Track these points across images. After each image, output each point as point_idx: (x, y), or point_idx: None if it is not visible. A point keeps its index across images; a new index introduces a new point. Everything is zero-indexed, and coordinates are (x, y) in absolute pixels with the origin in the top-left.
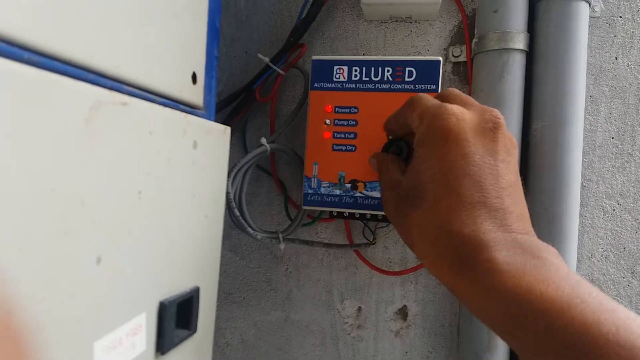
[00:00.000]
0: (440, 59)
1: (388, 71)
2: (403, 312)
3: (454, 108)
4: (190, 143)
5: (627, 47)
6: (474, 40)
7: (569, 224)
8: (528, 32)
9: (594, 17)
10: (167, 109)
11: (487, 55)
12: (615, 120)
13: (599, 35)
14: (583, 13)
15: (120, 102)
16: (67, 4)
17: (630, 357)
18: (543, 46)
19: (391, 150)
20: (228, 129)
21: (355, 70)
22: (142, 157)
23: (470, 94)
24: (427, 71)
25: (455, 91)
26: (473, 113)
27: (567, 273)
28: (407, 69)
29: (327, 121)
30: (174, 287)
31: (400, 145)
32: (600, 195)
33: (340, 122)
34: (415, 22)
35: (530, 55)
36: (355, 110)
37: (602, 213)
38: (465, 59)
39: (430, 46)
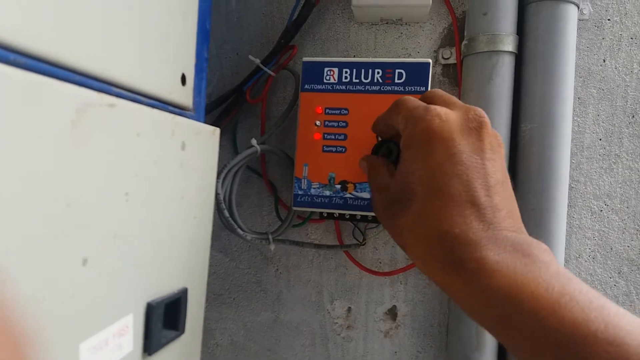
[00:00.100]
0: (430, 61)
1: (378, 73)
2: (392, 313)
3: (438, 109)
4: (178, 144)
5: (615, 50)
6: (464, 42)
7: (557, 224)
8: (517, 34)
9: (583, 20)
10: (156, 111)
11: (476, 58)
12: (603, 122)
13: (588, 38)
14: (572, 16)
15: (108, 103)
16: (54, 6)
17: (619, 354)
18: (532, 48)
19: (381, 151)
20: (217, 130)
21: (346, 72)
22: (130, 158)
23: (459, 96)
24: (416, 73)
25: (439, 91)
26: (457, 113)
27: (557, 270)
28: (397, 70)
29: (318, 122)
30: (162, 288)
31: (390, 146)
32: (588, 196)
33: (330, 124)
34: (406, 24)
35: (520, 57)
36: (346, 111)
37: (590, 214)
38: (455, 61)
39: (421, 48)
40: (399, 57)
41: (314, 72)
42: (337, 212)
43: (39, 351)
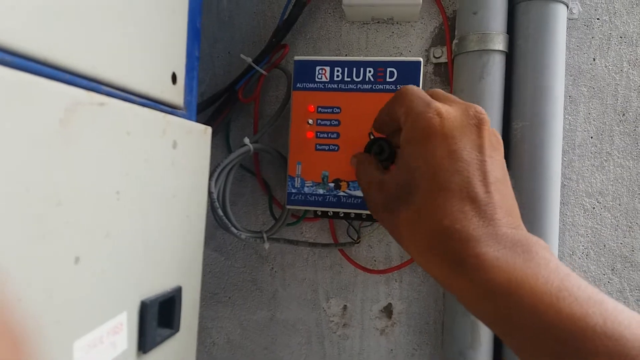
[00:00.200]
0: (421, 59)
1: (370, 72)
2: (388, 310)
3: (439, 106)
4: (169, 143)
5: (605, 49)
6: (455, 41)
7: (550, 222)
8: (508, 33)
9: (572, 19)
10: (146, 109)
11: (467, 56)
12: (594, 120)
13: (577, 37)
14: (561, 15)
15: (98, 102)
16: (43, 5)
17: (617, 348)
18: (522, 47)
19: (373, 149)
20: (209, 129)
21: (337, 71)
22: (120, 157)
23: None
24: (408, 72)
25: (439, 90)
26: (457, 110)
27: (557, 266)
28: (388, 69)
29: (310, 121)
30: (156, 286)
31: (382, 144)
32: (580, 193)
33: (322, 122)
34: (397, 23)
35: (510, 56)
36: (338, 110)
37: (583, 211)
38: (446, 60)
39: (412, 47)
40: (391, 56)
41: (306, 71)
42: (331, 210)
43: (33, 349)
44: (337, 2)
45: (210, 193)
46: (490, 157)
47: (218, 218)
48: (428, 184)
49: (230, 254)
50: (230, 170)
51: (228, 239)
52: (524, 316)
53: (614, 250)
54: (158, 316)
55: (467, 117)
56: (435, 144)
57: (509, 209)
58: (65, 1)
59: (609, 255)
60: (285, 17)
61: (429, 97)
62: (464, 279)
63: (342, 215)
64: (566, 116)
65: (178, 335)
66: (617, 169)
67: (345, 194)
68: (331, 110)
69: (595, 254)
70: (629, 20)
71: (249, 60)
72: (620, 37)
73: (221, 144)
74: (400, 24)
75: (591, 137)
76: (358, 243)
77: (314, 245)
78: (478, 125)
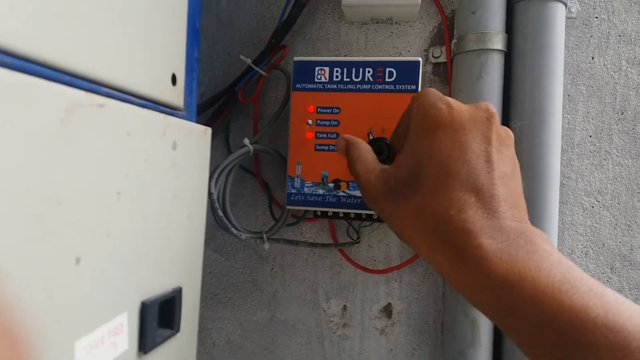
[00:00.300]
0: (420, 59)
1: (369, 72)
2: (388, 310)
3: (449, 99)
4: (169, 144)
5: (603, 47)
6: (453, 41)
7: (549, 221)
8: (506, 32)
9: (571, 18)
10: (146, 110)
11: (466, 56)
12: (592, 119)
13: (576, 36)
14: (559, 14)
15: (98, 103)
16: (42, 6)
17: (618, 340)
18: (521, 46)
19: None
20: (209, 130)
21: (337, 71)
22: (120, 158)
23: (450, 94)
24: (407, 72)
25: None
26: (467, 105)
27: (559, 259)
28: (387, 69)
29: (310, 121)
30: (156, 287)
31: (381, 145)
32: (579, 192)
33: (322, 123)
34: (396, 23)
35: (509, 55)
36: (337, 110)
37: (582, 210)
38: (445, 60)
39: (411, 47)
40: (390, 56)
41: (305, 71)
42: (330, 210)
43: (35, 349)
44: (336, 2)
45: (210, 194)
46: (499, 151)
47: (218, 219)
48: (436, 172)
49: (230, 254)
50: (230, 171)
51: (228, 239)
52: (525, 308)
53: (613, 249)
54: (158, 317)
55: (478, 110)
56: (445, 133)
57: (515, 203)
58: (65, 3)
59: (608, 254)
60: (285, 18)
61: (442, 94)
62: (466, 270)
63: (341, 215)
64: (565, 115)
65: (178, 336)
66: (616, 167)
67: (345, 194)
68: (330, 110)
69: (594, 253)
70: (628, 19)
71: (249, 61)
72: (619, 36)
73: (221, 145)
74: (399, 24)
75: (590, 136)
76: (358, 243)
77: (313, 245)
78: (489, 118)
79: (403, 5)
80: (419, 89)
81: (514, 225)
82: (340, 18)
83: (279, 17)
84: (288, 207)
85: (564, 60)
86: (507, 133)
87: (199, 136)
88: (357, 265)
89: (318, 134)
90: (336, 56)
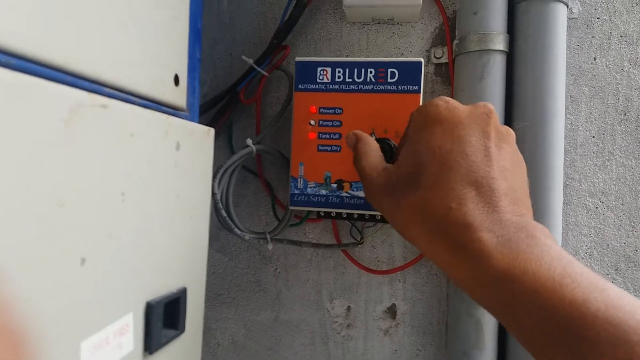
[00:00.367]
0: (422, 60)
1: (371, 72)
2: (392, 311)
3: (448, 98)
4: (172, 144)
5: (605, 48)
6: (455, 41)
7: (553, 222)
8: (508, 33)
9: (572, 19)
10: (149, 111)
11: (467, 57)
12: (595, 120)
13: (578, 36)
14: (561, 14)
15: (100, 104)
16: (45, 7)
17: (619, 334)
18: (523, 47)
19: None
20: (211, 130)
21: (339, 72)
22: (124, 158)
23: (452, 95)
24: (409, 72)
25: None
26: (465, 105)
27: (560, 253)
28: (389, 70)
29: (312, 122)
30: (161, 287)
31: (384, 145)
32: (583, 193)
33: (324, 123)
34: (398, 24)
35: (511, 56)
36: (340, 111)
37: (585, 211)
38: (447, 60)
39: (413, 47)
40: (391, 56)
41: (307, 72)
42: (334, 211)
43: (41, 350)
44: (337, 3)
45: (213, 194)
46: (498, 146)
47: (221, 219)
48: (436, 167)
49: (234, 255)
50: (233, 171)
51: (231, 240)
52: (526, 302)
53: (617, 250)
54: (163, 317)
55: (476, 107)
56: (443, 129)
57: (516, 198)
58: (68, 4)
59: (613, 255)
60: (286, 18)
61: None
62: (467, 265)
63: (345, 215)
64: (567, 116)
65: (183, 336)
66: (620, 168)
67: (348, 195)
68: (333, 111)
69: (598, 254)
70: (629, 20)
71: (250, 61)
72: (621, 36)
73: (224, 145)
74: (401, 25)
75: (593, 137)
76: (361, 244)
77: (317, 246)
78: (487, 114)
79: (404, 6)
80: (421, 90)
81: (515, 219)
82: (342, 18)
83: (280, 17)
84: (291, 207)
85: (566, 61)
86: (507, 130)
87: (202, 137)
88: (361, 265)
89: (321, 135)
90: (338, 57)
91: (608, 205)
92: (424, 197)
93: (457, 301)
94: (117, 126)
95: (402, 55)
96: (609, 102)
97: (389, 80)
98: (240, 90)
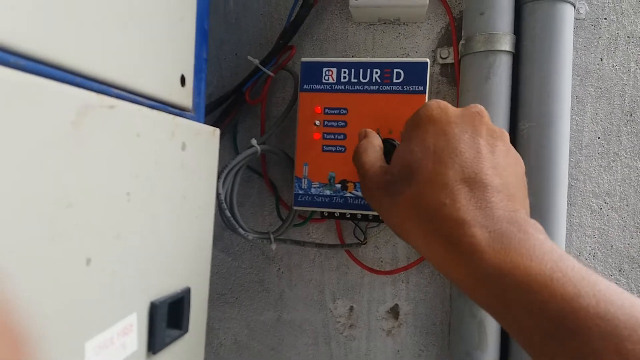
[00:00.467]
0: (428, 60)
1: (376, 73)
2: (394, 311)
3: (441, 101)
4: (178, 145)
5: (612, 49)
6: (461, 42)
7: (557, 222)
8: (514, 33)
9: (579, 19)
10: (155, 112)
11: (474, 57)
12: (601, 121)
13: (584, 37)
14: (568, 15)
15: (108, 105)
16: (53, 8)
17: (610, 329)
18: (529, 47)
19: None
20: (217, 131)
21: (344, 72)
22: (130, 159)
23: (458, 95)
24: (415, 73)
25: None
26: (457, 108)
27: (551, 247)
28: (395, 70)
29: (317, 122)
30: (165, 287)
31: (387, 146)
32: (588, 194)
33: (329, 123)
34: (404, 24)
35: (517, 56)
36: (345, 111)
37: (590, 212)
38: (453, 61)
39: (419, 48)
40: (397, 57)
41: (313, 72)
42: (337, 211)
43: (45, 350)
44: (343, 3)
45: (217, 194)
46: (491, 144)
47: (225, 219)
48: (429, 164)
49: (237, 254)
50: (237, 171)
51: (235, 239)
52: (518, 296)
53: (621, 251)
54: (167, 317)
55: (467, 108)
56: (436, 127)
57: (510, 194)
58: (75, 5)
59: (617, 256)
60: (292, 18)
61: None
62: (460, 261)
63: (348, 216)
64: (573, 117)
65: (187, 336)
66: (625, 169)
67: (352, 195)
68: (338, 111)
69: (602, 255)
70: (637, 20)
71: (256, 62)
72: (628, 37)
73: (229, 146)
74: (407, 25)
75: (598, 138)
76: (365, 244)
77: (320, 246)
78: (479, 113)
79: (411, 6)
80: (427, 90)
81: (507, 214)
82: (348, 19)
83: (286, 17)
84: (295, 207)
85: (572, 61)
86: (501, 130)
87: (208, 137)
88: (364, 266)
89: (325, 135)
90: (343, 57)
91: (612, 207)
92: (418, 193)
93: (460, 302)
94: (124, 127)
95: (407, 55)
96: (615, 103)
97: (395, 80)
98: (246, 91)
